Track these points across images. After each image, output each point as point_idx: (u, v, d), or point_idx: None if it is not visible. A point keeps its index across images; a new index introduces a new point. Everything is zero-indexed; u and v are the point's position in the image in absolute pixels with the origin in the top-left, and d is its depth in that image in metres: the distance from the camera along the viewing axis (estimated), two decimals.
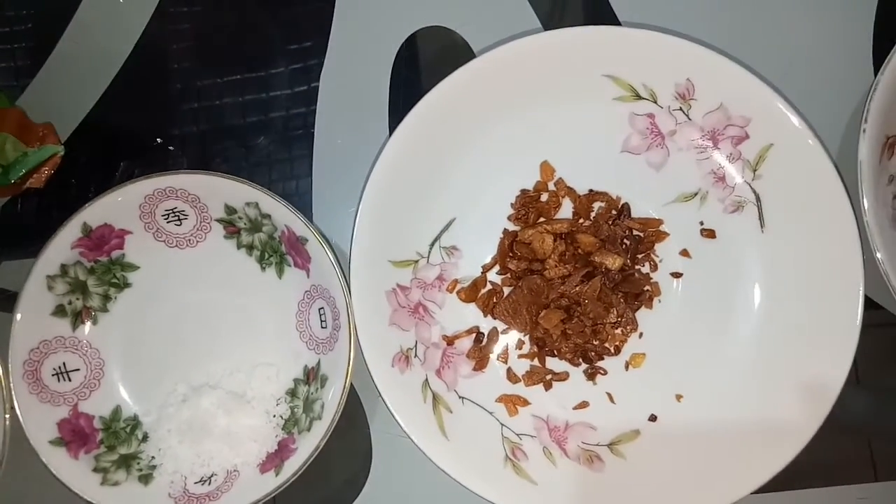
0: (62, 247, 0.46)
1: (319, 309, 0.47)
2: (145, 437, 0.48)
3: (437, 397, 0.47)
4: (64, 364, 0.47)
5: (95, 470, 0.45)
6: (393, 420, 0.45)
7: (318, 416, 0.45)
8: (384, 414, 0.46)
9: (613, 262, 0.47)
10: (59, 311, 0.47)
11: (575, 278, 0.47)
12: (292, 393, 0.48)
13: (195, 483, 0.46)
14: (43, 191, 0.51)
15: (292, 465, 0.44)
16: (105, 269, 0.48)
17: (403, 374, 0.46)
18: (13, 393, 0.44)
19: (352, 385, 0.45)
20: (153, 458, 0.47)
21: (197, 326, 0.49)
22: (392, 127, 0.50)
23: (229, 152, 0.53)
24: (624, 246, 0.48)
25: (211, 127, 0.53)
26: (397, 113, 0.51)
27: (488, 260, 0.49)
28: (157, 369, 0.49)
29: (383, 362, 0.45)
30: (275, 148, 0.53)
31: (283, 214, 0.45)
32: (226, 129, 0.53)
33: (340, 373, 0.44)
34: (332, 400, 0.44)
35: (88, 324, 0.48)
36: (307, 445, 0.44)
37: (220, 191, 0.46)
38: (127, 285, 0.49)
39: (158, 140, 0.53)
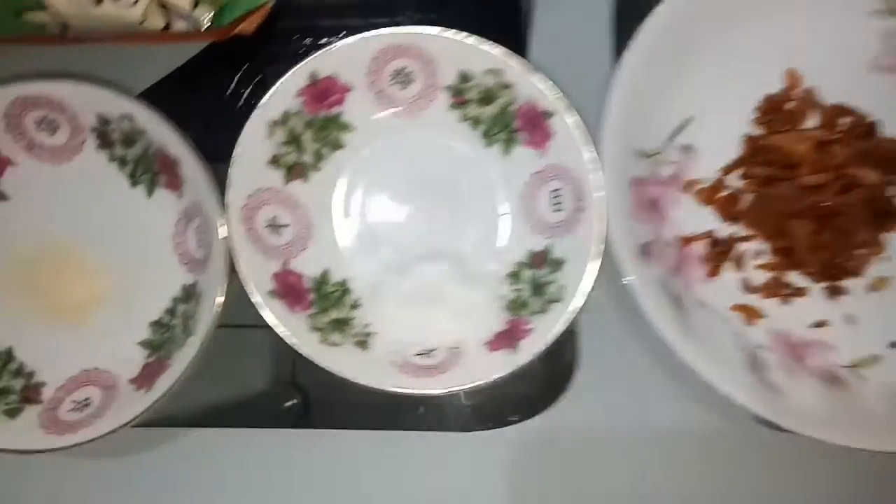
0: (288, 92, 0.43)
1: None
2: (356, 304, 0.44)
3: (677, 298, 0.44)
4: (276, 217, 0.44)
5: (312, 329, 0.42)
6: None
7: (558, 297, 0.42)
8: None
9: (869, 176, 0.44)
10: (274, 161, 0.44)
11: (832, 189, 0.44)
12: (515, 276, 0.45)
13: (415, 355, 0.43)
14: (249, 39, 0.48)
15: (529, 346, 0.41)
16: (322, 124, 0.45)
17: (647, 267, 0.43)
18: (232, 235, 0.41)
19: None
20: (368, 325, 0.43)
21: (426, 192, 0.46)
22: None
23: None
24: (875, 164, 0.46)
25: None
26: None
27: (726, 162, 0.46)
28: (369, 235, 0.45)
29: (629, 250, 0.42)
30: None
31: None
32: None
33: (582, 256, 0.41)
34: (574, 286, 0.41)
35: (299, 180, 0.45)
36: (543, 328, 0.41)
37: None
38: (340, 146, 0.46)
39: None
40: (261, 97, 0.46)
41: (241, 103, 0.48)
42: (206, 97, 0.49)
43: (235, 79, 0.49)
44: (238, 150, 0.42)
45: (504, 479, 0.46)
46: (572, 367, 0.47)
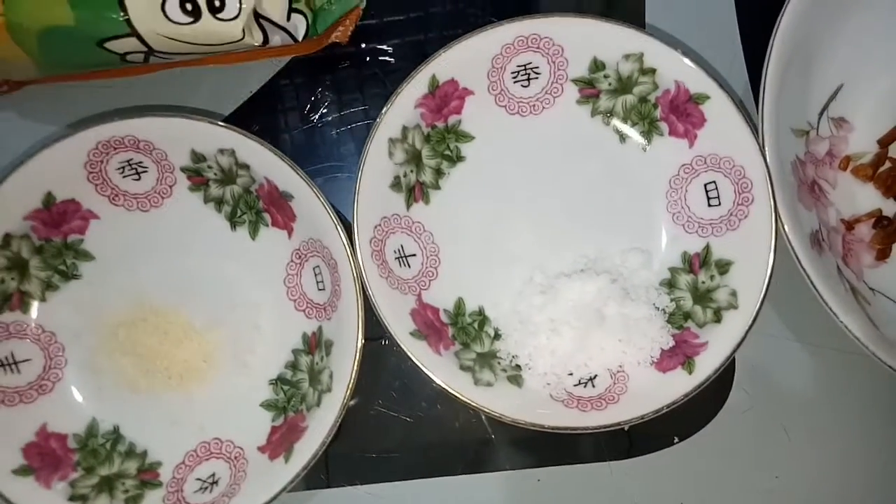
0: (407, 104, 0.38)
1: None
2: (497, 334, 0.39)
3: (853, 288, 0.39)
4: (402, 247, 0.39)
5: (462, 368, 0.37)
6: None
7: (730, 304, 0.37)
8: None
9: None
10: (396, 184, 0.39)
11: None
12: (671, 283, 0.40)
13: (574, 386, 0.38)
14: (347, 47, 0.42)
15: (706, 363, 0.37)
16: (440, 136, 0.40)
17: (821, 257, 0.39)
18: (364, 274, 0.36)
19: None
20: (514, 356, 0.39)
21: (561, 199, 0.40)
22: None
23: None
24: None
25: None
26: None
27: (883, 132, 0.42)
28: (503, 255, 0.40)
29: (803, 241, 0.38)
30: None
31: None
32: None
33: (754, 254, 0.37)
34: (748, 289, 0.37)
35: (421, 202, 0.40)
36: (718, 341, 0.37)
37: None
38: (461, 158, 0.41)
39: None
40: (346, 116, 0.43)
41: (319, 121, 0.43)
42: (280, 120, 0.44)
43: (313, 96, 0.44)
44: (362, 177, 0.37)
45: None
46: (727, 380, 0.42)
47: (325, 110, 0.43)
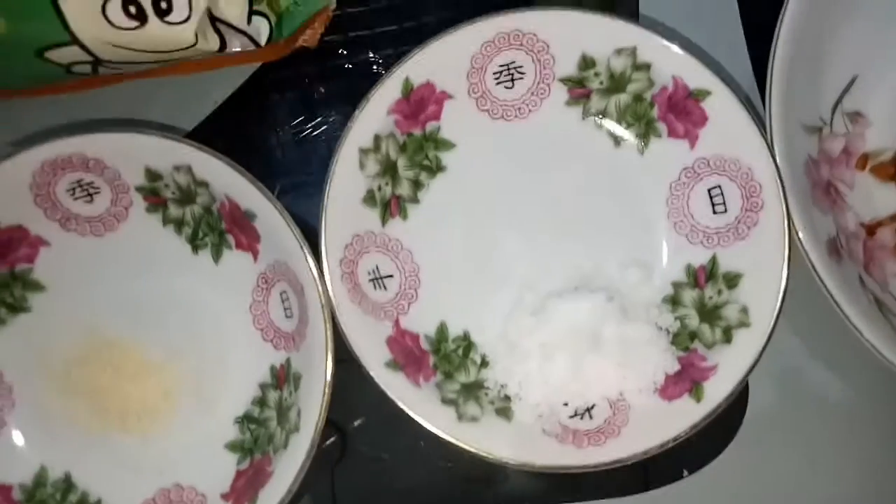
0: (378, 111, 0.35)
1: None
2: (485, 361, 0.36)
3: (878, 300, 0.36)
4: (377, 268, 0.35)
5: (444, 402, 0.34)
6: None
7: (741, 322, 0.33)
8: None
9: None
10: (370, 198, 0.36)
11: None
12: (673, 300, 0.36)
13: (570, 417, 0.34)
14: (314, 52, 0.39)
15: (715, 389, 0.33)
16: (418, 145, 0.37)
17: (840, 266, 0.35)
18: (333, 299, 0.33)
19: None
20: (503, 386, 0.35)
21: (553, 210, 0.37)
22: None
23: None
24: None
25: None
26: None
27: None
28: (482, 275, 0.37)
29: (819, 249, 0.34)
30: None
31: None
32: None
33: (766, 265, 0.33)
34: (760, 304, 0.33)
35: (398, 218, 0.37)
36: (728, 363, 0.33)
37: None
38: (441, 169, 0.37)
39: None
40: (320, 126, 0.39)
41: (292, 133, 0.40)
42: (248, 134, 0.40)
43: (285, 107, 0.41)
44: (330, 191, 0.33)
45: None
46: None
47: (298, 122, 0.40)
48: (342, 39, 0.40)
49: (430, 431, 0.32)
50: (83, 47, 0.31)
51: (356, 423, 0.38)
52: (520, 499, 0.38)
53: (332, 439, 0.38)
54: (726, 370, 0.33)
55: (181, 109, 0.39)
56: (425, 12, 0.40)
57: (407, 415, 0.33)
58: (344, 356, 0.33)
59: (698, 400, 0.33)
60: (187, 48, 0.32)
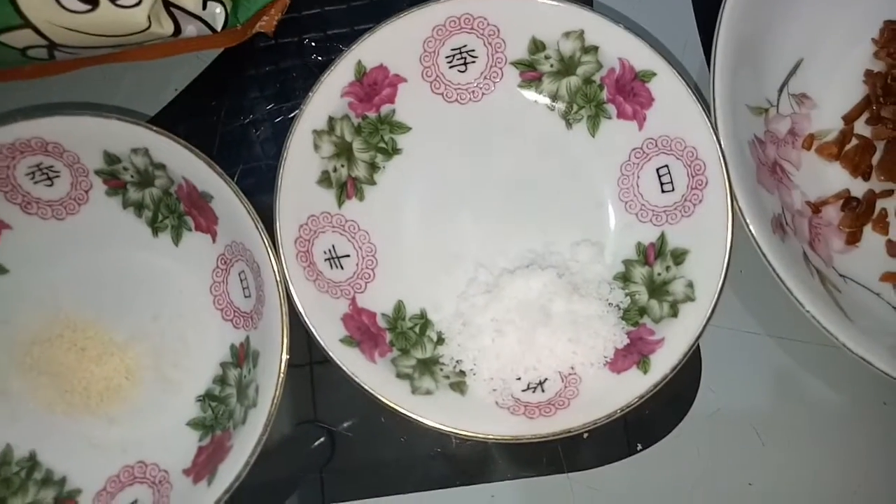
0: (332, 93, 0.35)
1: None
2: (441, 338, 0.37)
3: (821, 274, 0.37)
4: (333, 248, 0.36)
5: (399, 376, 0.35)
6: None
7: (687, 296, 0.34)
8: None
9: None
10: (324, 180, 0.36)
11: None
12: (624, 277, 0.37)
13: (523, 391, 0.35)
14: (273, 40, 0.40)
15: (662, 362, 0.34)
16: (373, 128, 0.38)
17: (784, 243, 0.36)
18: (288, 277, 0.33)
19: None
20: (458, 361, 0.36)
21: (506, 191, 0.38)
22: None
23: None
24: None
25: None
26: None
27: (847, 109, 0.40)
28: (438, 255, 0.38)
29: (763, 226, 0.35)
30: None
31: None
32: None
33: (709, 241, 0.34)
34: (705, 279, 0.34)
35: (354, 199, 0.37)
36: (674, 337, 0.34)
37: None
38: (397, 151, 0.38)
39: None
40: (280, 110, 0.40)
41: (252, 118, 0.41)
42: (210, 118, 0.41)
43: (245, 92, 0.41)
44: (283, 173, 0.34)
45: None
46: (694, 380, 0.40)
47: (257, 106, 0.41)
48: (301, 25, 0.41)
49: (384, 403, 0.33)
50: (36, 30, 0.32)
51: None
52: (473, 475, 0.39)
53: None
54: (672, 343, 0.34)
55: (143, 95, 0.40)
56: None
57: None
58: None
59: (645, 372, 0.34)
60: (141, 32, 0.33)
